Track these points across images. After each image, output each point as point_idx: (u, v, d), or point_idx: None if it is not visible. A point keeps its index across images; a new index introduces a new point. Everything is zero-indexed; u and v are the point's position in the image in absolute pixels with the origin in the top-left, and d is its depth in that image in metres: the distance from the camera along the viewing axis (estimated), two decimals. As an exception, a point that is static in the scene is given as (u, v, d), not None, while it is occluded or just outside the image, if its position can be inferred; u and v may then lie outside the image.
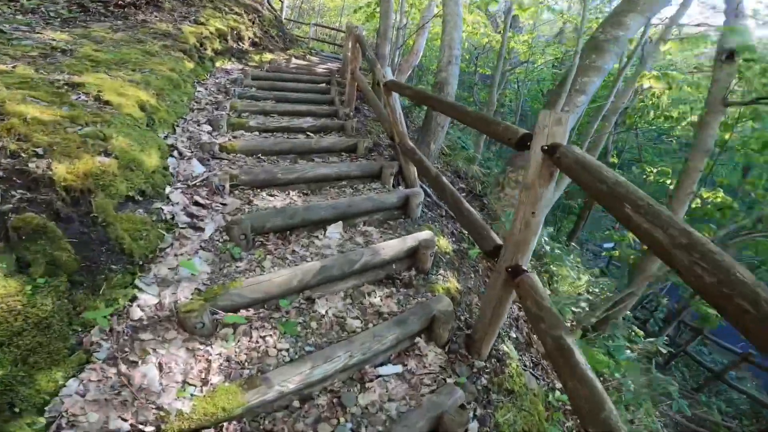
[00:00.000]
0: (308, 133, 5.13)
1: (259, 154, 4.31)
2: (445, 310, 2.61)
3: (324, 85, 7.56)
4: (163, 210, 3.01)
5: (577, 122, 6.97)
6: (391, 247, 3.07)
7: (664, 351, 4.97)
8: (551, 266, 5.64)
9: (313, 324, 2.52)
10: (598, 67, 6.09)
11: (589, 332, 4.62)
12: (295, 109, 5.63)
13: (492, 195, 5.96)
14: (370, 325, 2.59)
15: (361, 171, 4.31)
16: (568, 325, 3.97)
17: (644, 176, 9.43)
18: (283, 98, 6.15)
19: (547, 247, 5.73)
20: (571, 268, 5.84)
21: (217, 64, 6.90)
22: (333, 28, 17.85)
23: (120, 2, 6.62)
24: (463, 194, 6.03)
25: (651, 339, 4.82)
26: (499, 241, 2.42)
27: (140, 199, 2.90)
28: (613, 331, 4.58)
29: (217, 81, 6.11)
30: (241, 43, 8.03)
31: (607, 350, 4.00)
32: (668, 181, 9.29)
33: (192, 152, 3.90)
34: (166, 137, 3.87)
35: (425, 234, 3.32)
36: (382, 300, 2.89)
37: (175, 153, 3.75)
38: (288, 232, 3.35)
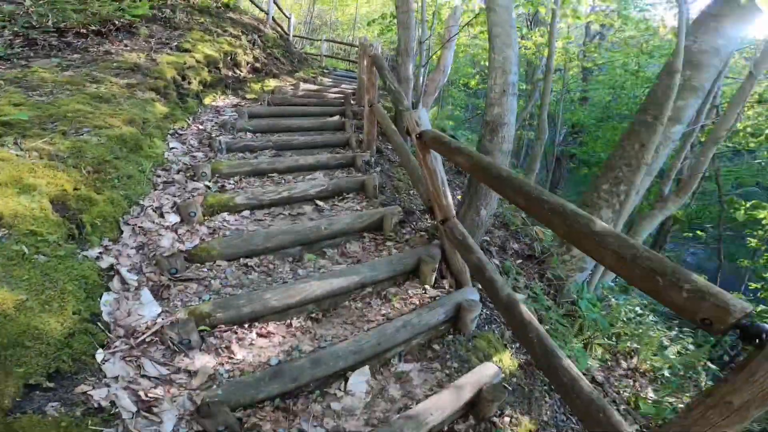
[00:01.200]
0: (317, 202, 3.77)
1: (247, 259, 2.95)
2: None
3: (338, 118, 6.23)
4: (91, 396, 1.78)
5: (668, 157, 5.44)
6: (441, 407, 2.09)
7: None
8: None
9: None
10: (694, 87, 4.61)
11: None
12: (300, 164, 4.31)
13: (556, 258, 4.52)
14: None
15: (392, 270, 2.92)
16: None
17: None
18: (287, 144, 4.83)
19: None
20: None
21: (206, 101, 5.62)
22: (345, 43, 16.63)
23: (81, 30, 5.40)
24: (519, 260, 4.57)
25: None
26: None
27: (50, 385, 1.60)
28: None
29: (201, 127, 4.82)
30: (237, 71, 6.77)
31: None
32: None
33: (143, 275, 2.58)
34: (100, 255, 2.54)
35: (488, 371, 2.36)
36: None
37: (115, 282, 2.42)
38: (292, 398, 2.03)
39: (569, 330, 3.84)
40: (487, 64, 13.50)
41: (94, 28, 5.61)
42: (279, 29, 10.90)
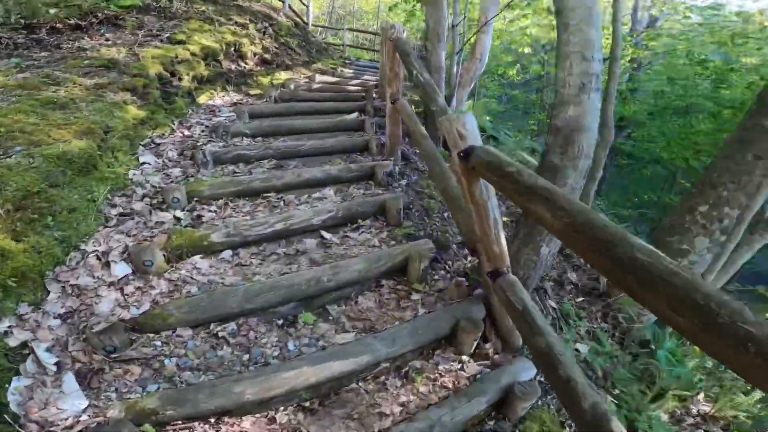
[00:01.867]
0: (323, 234, 2.90)
1: (220, 326, 2.14)
2: None
3: (356, 115, 5.35)
4: None
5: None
6: None
7: None
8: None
9: None
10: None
11: None
12: (304, 179, 3.48)
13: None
14: None
15: (417, 342, 2.12)
16: None
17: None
18: (291, 152, 4.01)
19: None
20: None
21: (201, 99, 4.85)
22: (369, 32, 15.60)
23: (57, 25, 4.70)
24: (580, 297, 3.60)
25: None
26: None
27: None
28: None
29: (186, 133, 4.05)
30: (242, 63, 5.98)
31: None
32: None
33: (68, 355, 1.86)
34: (10, 330, 1.86)
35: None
36: None
37: (29, 364, 1.75)
38: None
39: (643, 393, 2.91)
40: (527, 51, 12.35)
41: (71, 22, 4.93)
42: (295, 18, 10.08)
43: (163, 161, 3.40)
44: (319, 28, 16.08)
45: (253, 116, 4.76)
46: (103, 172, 2.84)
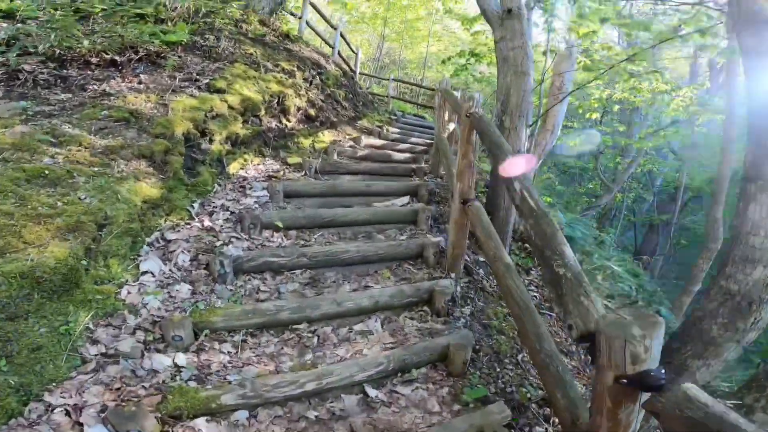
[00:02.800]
0: (367, 389, 2.22)
1: None
2: None
3: (407, 200, 4.70)
4: None
5: None
6: None
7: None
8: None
9: None
10: None
11: None
12: (345, 308, 2.71)
13: None
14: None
15: None
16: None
17: None
18: (329, 260, 3.32)
19: None
20: None
21: (232, 168, 4.21)
22: (414, 84, 15.28)
23: (91, 59, 4.18)
24: None
25: None
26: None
27: None
28: None
29: (207, 223, 3.37)
30: (284, 120, 5.38)
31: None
32: None
33: None
34: None
35: None
36: None
37: None
38: None
39: None
40: (595, 117, 11.80)
41: (108, 56, 4.38)
42: (344, 65, 9.65)
43: (170, 269, 2.67)
44: (365, 77, 15.84)
45: (289, 195, 4.08)
46: (87, 291, 2.11)
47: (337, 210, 4.01)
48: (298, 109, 5.68)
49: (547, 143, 6.71)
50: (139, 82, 4.21)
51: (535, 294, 4.54)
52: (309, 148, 5.36)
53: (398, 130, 8.27)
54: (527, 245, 5.43)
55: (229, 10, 6.73)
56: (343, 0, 8.14)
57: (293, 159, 4.76)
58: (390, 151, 6.68)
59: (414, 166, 5.81)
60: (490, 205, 4.88)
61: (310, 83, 6.66)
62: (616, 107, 12.40)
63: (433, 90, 12.87)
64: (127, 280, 2.43)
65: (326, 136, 5.86)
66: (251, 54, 5.83)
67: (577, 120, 13.80)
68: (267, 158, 4.73)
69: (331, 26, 10.21)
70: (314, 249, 3.31)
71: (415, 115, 11.69)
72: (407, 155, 6.50)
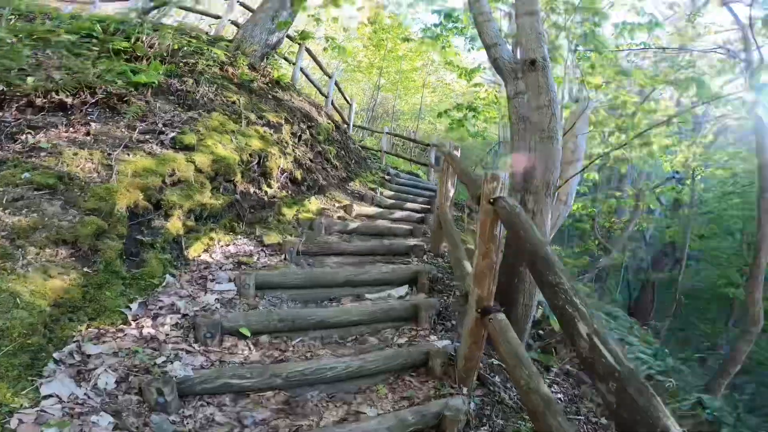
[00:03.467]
0: None
1: None
2: None
3: (405, 291, 3.98)
4: None
5: None
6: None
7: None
8: None
9: None
10: None
11: None
12: None
13: None
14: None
15: None
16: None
17: None
18: (310, 379, 2.52)
19: None
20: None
21: (192, 251, 3.41)
22: (409, 139, 14.84)
23: (37, 100, 3.42)
24: None
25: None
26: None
27: None
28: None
29: (146, 331, 2.59)
30: (265, 184, 4.64)
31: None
32: None
33: None
34: None
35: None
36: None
37: None
38: None
39: None
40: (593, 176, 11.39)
41: (57, 97, 3.63)
42: (337, 117, 9.06)
43: (85, 393, 1.83)
44: (360, 130, 15.38)
45: (264, 287, 3.26)
46: None
47: (320, 311, 3.19)
48: (282, 171, 4.94)
49: (561, 215, 6.07)
50: (87, 133, 3.43)
51: (559, 396, 3.76)
52: (292, 220, 4.57)
53: (392, 193, 7.59)
54: (541, 331, 4.68)
55: (214, 51, 6.11)
56: (342, 46, 7.62)
57: (271, 238, 3.96)
58: (384, 222, 5.94)
59: (412, 242, 5.07)
60: (505, 299, 4.12)
61: (299, 138, 5.97)
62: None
63: (427, 145, 12.40)
64: (22, 406, 1.60)
65: (313, 204, 5.10)
66: (234, 102, 5.13)
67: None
68: (239, 236, 3.92)
69: (326, 74, 9.74)
70: (291, 367, 2.47)
71: (408, 172, 11.11)
72: (403, 227, 5.77)
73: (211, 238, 3.69)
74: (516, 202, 2.65)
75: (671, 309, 12.59)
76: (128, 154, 3.26)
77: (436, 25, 8.44)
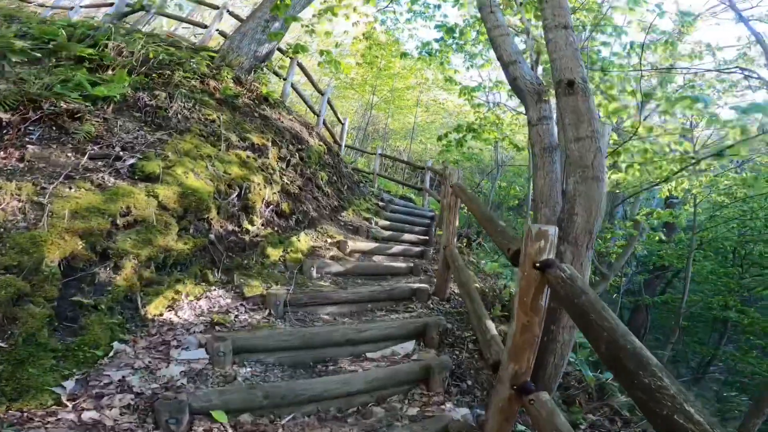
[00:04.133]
0: None
1: None
2: None
3: (412, 347, 3.46)
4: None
5: None
6: None
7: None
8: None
9: None
10: None
11: None
12: None
13: None
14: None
15: None
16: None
17: None
18: None
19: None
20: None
21: (153, 307, 2.72)
22: (403, 162, 14.19)
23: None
24: None
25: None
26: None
27: None
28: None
29: (86, 417, 1.90)
30: (247, 221, 3.96)
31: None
32: None
33: None
34: None
35: None
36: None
37: None
38: None
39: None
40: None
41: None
42: (329, 138, 8.43)
43: None
44: (347, 149, 14.76)
45: (244, 351, 2.57)
46: None
47: (315, 384, 2.51)
48: (268, 204, 4.26)
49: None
50: (21, 158, 2.74)
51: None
52: (278, 262, 3.88)
53: (388, 223, 6.95)
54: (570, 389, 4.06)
55: (194, 61, 5.46)
56: (337, 60, 7.03)
57: (253, 288, 3.26)
58: (382, 258, 5.30)
59: (415, 285, 4.40)
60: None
61: (288, 163, 5.32)
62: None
63: (421, 168, 11.80)
64: None
65: (302, 242, 4.41)
66: (213, 120, 4.48)
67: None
68: (214, 287, 3.21)
69: (318, 91, 9.15)
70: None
71: (401, 197, 10.49)
72: (403, 265, 5.11)
73: (177, 292, 2.98)
74: (573, 270, 2.02)
75: (664, 329, 12.45)
76: (69, 188, 2.57)
77: (437, 40, 7.94)
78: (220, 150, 4.04)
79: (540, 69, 4.51)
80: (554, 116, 3.94)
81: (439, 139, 8.93)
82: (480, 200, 3.81)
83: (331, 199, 6.02)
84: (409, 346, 3.51)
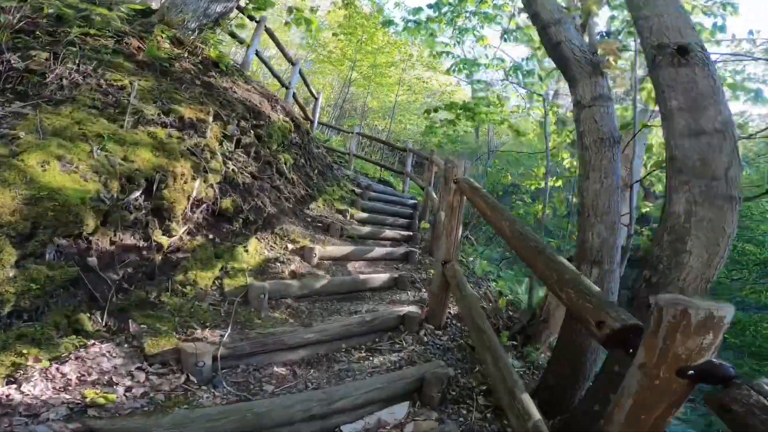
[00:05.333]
0: None
1: None
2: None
3: (405, 413, 2.18)
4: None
5: None
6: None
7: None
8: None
9: None
10: None
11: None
12: None
13: None
14: None
15: None
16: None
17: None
18: None
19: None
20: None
21: None
22: (385, 143, 12.66)
23: None
24: None
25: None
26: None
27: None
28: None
29: None
30: (160, 229, 2.69)
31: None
32: None
33: None
34: None
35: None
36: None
37: None
38: None
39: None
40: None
41: None
42: (297, 115, 7.07)
43: None
44: (326, 128, 13.33)
45: None
46: None
47: None
48: (198, 202, 3.00)
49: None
50: None
51: None
52: (211, 291, 2.64)
53: (366, 216, 5.75)
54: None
55: (108, 16, 4.07)
56: (308, 18, 5.74)
57: (160, 341, 2.02)
58: (359, 265, 4.14)
59: (402, 310, 3.24)
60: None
61: (237, 144, 4.05)
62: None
63: (402, 150, 10.48)
64: None
65: (251, 254, 3.17)
66: (123, 88, 3.17)
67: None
68: (93, 340, 1.98)
69: (289, 61, 7.79)
70: None
71: (379, 180, 9.26)
72: (385, 276, 3.94)
73: (21, 354, 1.76)
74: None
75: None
76: None
77: (430, 6, 6.68)
78: (122, 127, 2.75)
79: (586, 39, 3.33)
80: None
81: (427, 112, 7.70)
82: (508, 210, 2.60)
83: (297, 188, 4.77)
84: (401, 411, 2.38)
